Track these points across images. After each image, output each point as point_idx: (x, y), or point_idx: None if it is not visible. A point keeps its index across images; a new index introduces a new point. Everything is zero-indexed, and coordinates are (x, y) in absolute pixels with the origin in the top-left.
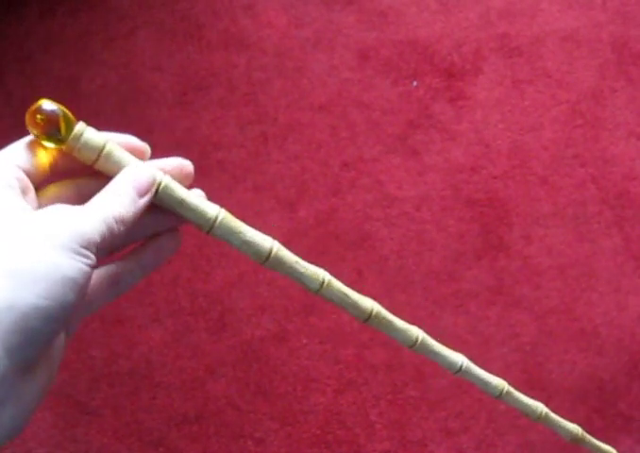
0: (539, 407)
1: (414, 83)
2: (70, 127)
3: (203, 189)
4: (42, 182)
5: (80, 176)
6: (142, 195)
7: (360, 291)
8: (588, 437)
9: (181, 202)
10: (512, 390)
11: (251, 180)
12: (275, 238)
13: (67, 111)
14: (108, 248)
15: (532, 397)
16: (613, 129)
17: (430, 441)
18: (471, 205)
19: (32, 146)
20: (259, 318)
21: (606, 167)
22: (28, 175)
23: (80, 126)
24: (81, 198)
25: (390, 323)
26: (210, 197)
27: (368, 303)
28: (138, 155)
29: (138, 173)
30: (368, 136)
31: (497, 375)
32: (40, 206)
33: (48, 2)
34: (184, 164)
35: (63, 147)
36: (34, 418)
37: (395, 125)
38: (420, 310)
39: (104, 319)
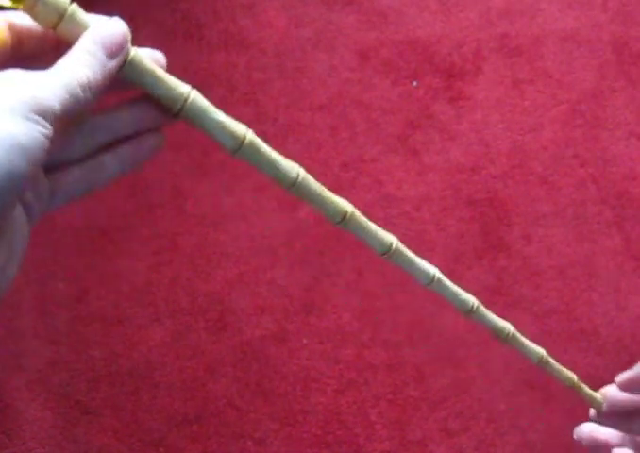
0: (507, 327)
1: (414, 83)
2: None
3: (203, 188)
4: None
5: (41, 60)
6: (112, 56)
7: (360, 291)
8: (552, 361)
9: (152, 74)
10: (483, 308)
11: (251, 180)
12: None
13: None
14: (73, 120)
15: (502, 317)
16: (613, 129)
17: (430, 441)
18: (471, 205)
19: None
20: (259, 318)
21: (606, 167)
22: None
23: None
24: None
25: (365, 226)
26: (211, 197)
27: (344, 203)
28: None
29: (108, 29)
30: (368, 136)
31: (497, 374)
32: None
33: None
34: (156, 54)
35: (20, 4)
36: (34, 418)
37: (395, 125)
38: (420, 310)
39: (104, 319)
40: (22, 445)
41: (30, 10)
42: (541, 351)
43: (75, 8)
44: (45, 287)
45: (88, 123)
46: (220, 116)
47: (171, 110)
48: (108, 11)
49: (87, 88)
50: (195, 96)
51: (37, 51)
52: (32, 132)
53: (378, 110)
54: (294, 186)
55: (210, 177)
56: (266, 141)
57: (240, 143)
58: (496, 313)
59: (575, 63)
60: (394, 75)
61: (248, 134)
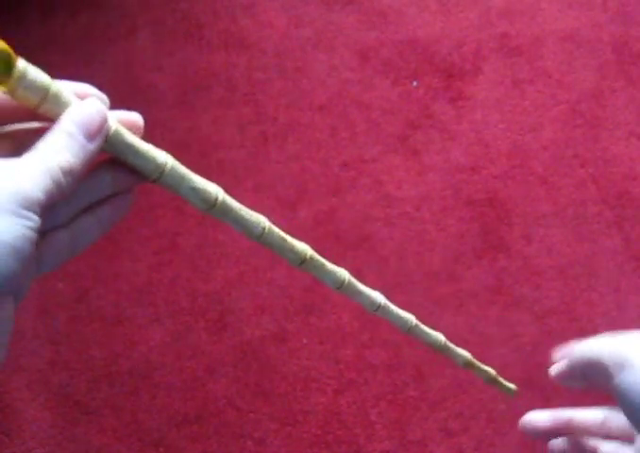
0: (410, 319)
1: (414, 83)
2: (9, 64)
3: None
4: None
5: (19, 132)
6: (92, 139)
7: None
8: (422, 326)
9: (131, 147)
10: (389, 303)
11: (251, 180)
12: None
13: (6, 46)
14: (56, 205)
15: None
16: (613, 129)
17: (430, 441)
18: (471, 205)
19: None
20: (259, 318)
21: (606, 167)
22: None
23: (23, 63)
24: (19, 155)
25: (322, 265)
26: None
27: (303, 247)
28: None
29: (86, 110)
30: (368, 136)
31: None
32: None
33: (48, 2)
34: (133, 116)
35: (2, 88)
36: (34, 418)
37: (395, 125)
38: (420, 309)
39: (104, 319)
40: (22, 445)
41: (12, 93)
42: (441, 338)
43: (57, 88)
44: (45, 287)
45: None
46: (195, 182)
47: (148, 178)
48: (108, 12)
49: (68, 172)
50: (172, 165)
51: (15, 118)
52: (21, 229)
53: (378, 110)
54: (261, 237)
55: (210, 177)
56: (266, 141)
57: (212, 205)
58: (496, 313)
59: (575, 63)
60: (394, 75)
61: (219, 196)
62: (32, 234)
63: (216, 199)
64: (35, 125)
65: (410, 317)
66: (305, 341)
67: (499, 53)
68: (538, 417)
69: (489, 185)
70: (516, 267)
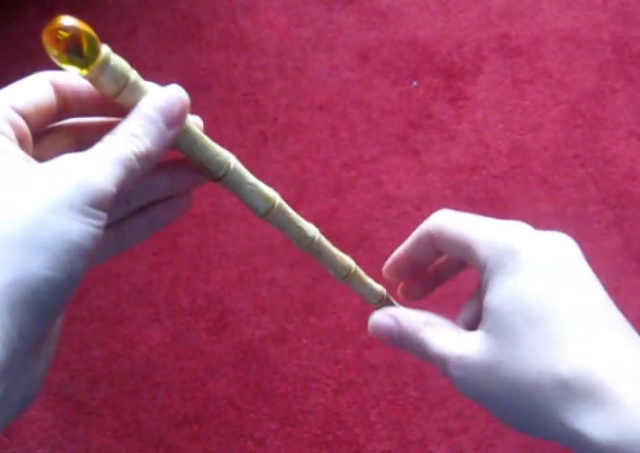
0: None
1: (414, 83)
2: (94, 49)
3: (203, 188)
4: (40, 131)
5: (86, 126)
6: (172, 126)
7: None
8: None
9: (201, 141)
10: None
11: None
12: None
13: (90, 30)
14: (125, 194)
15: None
16: (613, 129)
17: (430, 441)
18: (471, 205)
19: (35, 84)
20: (259, 318)
21: (606, 167)
22: (27, 120)
23: (107, 49)
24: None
25: (363, 280)
26: (211, 197)
27: (349, 260)
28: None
29: (168, 96)
30: (368, 136)
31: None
32: (36, 159)
33: (48, 2)
34: (197, 119)
35: (85, 72)
36: (34, 418)
37: (395, 125)
38: (420, 310)
39: (104, 319)
40: (22, 445)
41: (94, 80)
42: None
43: (136, 76)
44: None
45: (141, 187)
46: (255, 181)
47: (213, 176)
48: (108, 12)
49: (143, 159)
50: (236, 162)
51: (82, 111)
52: (90, 228)
53: (379, 110)
54: (311, 245)
55: None
56: (266, 141)
57: (270, 208)
58: None
59: (575, 63)
60: (394, 75)
61: (277, 199)
62: (99, 233)
63: (274, 203)
64: (99, 119)
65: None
66: (305, 341)
67: (499, 53)
68: (386, 266)
69: (489, 185)
70: None
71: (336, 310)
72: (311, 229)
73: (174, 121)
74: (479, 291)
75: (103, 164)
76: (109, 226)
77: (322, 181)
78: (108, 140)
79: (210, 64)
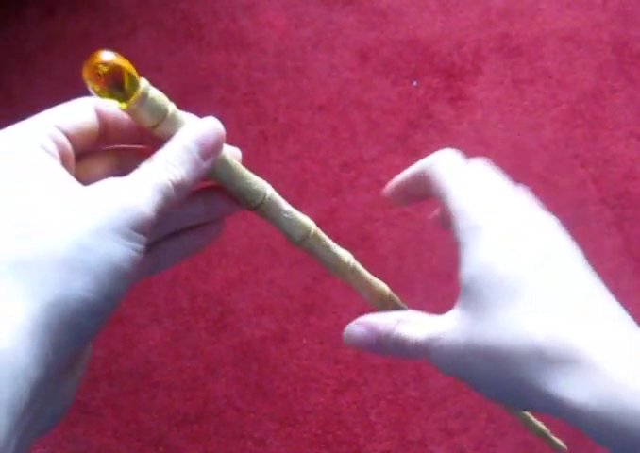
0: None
1: (414, 83)
2: (133, 83)
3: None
4: (83, 152)
5: (124, 151)
6: (207, 157)
7: None
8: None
9: (236, 171)
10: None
11: None
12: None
13: (131, 66)
14: (161, 220)
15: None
16: (613, 129)
17: (430, 441)
18: None
19: (80, 108)
20: (259, 318)
21: (606, 167)
22: (70, 141)
23: (145, 83)
24: (122, 174)
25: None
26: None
27: (382, 285)
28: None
29: (205, 128)
30: (368, 136)
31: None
32: (77, 179)
33: (48, 2)
34: (234, 150)
35: (124, 106)
36: None
37: (395, 125)
38: (420, 310)
39: None
40: None
41: (133, 113)
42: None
43: (174, 108)
44: None
45: (176, 213)
46: (291, 209)
47: (250, 205)
48: (108, 12)
49: (179, 187)
50: (272, 192)
51: (122, 139)
52: (131, 252)
53: (379, 110)
54: (346, 270)
55: None
56: (266, 141)
57: (306, 235)
58: None
59: (575, 63)
60: (394, 75)
61: (313, 227)
62: (139, 256)
63: (310, 230)
64: (140, 146)
65: None
66: (305, 341)
67: (499, 53)
68: (387, 187)
69: None
70: None
71: (336, 310)
72: (346, 256)
73: (209, 152)
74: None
75: (143, 190)
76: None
77: (322, 181)
78: (146, 167)
79: (210, 64)
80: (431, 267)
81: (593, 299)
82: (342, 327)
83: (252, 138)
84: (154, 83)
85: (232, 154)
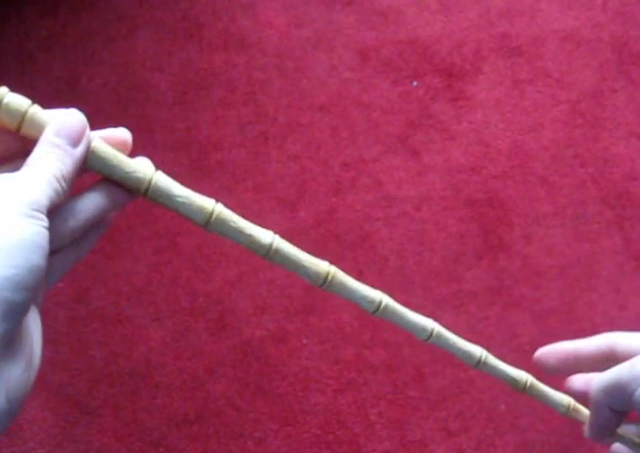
0: (522, 375)
1: (414, 83)
2: None
3: (203, 188)
4: None
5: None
6: (75, 144)
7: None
8: (537, 384)
9: (114, 159)
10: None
11: (251, 180)
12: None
13: None
14: (54, 209)
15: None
16: (613, 129)
17: (430, 441)
18: (471, 205)
19: None
20: (259, 318)
21: (606, 167)
22: None
23: (1, 90)
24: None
25: (349, 285)
26: (211, 197)
27: (324, 264)
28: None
29: (65, 120)
30: (368, 136)
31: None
32: None
33: (49, 2)
34: (120, 132)
35: None
36: (34, 418)
37: (395, 125)
38: (420, 309)
39: (104, 319)
40: (22, 445)
41: None
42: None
43: (34, 109)
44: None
45: (74, 208)
46: (188, 194)
47: (137, 192)
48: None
49: (62, 179)
50: (160, 177)
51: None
52: (38, 228)
53: (379, 110)
54: (268, 253)
55: (210, 177)
56: (266, 141)
57: (209, 217)
58: (496, 313)
59: (575, 63)
60: (394, 75)
61: (216, 207)
62: (47, 232)
63: (213, 209)
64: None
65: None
66: (305, 341)
67: (499, 53)
68: (546, 351)
69: (489, 185)
70: (516, 267)
71: (336, 310)
72: (268, 234)
73: (76, 140)
74: None
75: (34, 182)
76: (68, 244)
77: (322, 181)
78: (29, 164)
79: (210, 64)
80: (431, 267)
81: None
82: (342, 326)
83: (252, 138)
84: (154, 83)
85: (119, 139)
